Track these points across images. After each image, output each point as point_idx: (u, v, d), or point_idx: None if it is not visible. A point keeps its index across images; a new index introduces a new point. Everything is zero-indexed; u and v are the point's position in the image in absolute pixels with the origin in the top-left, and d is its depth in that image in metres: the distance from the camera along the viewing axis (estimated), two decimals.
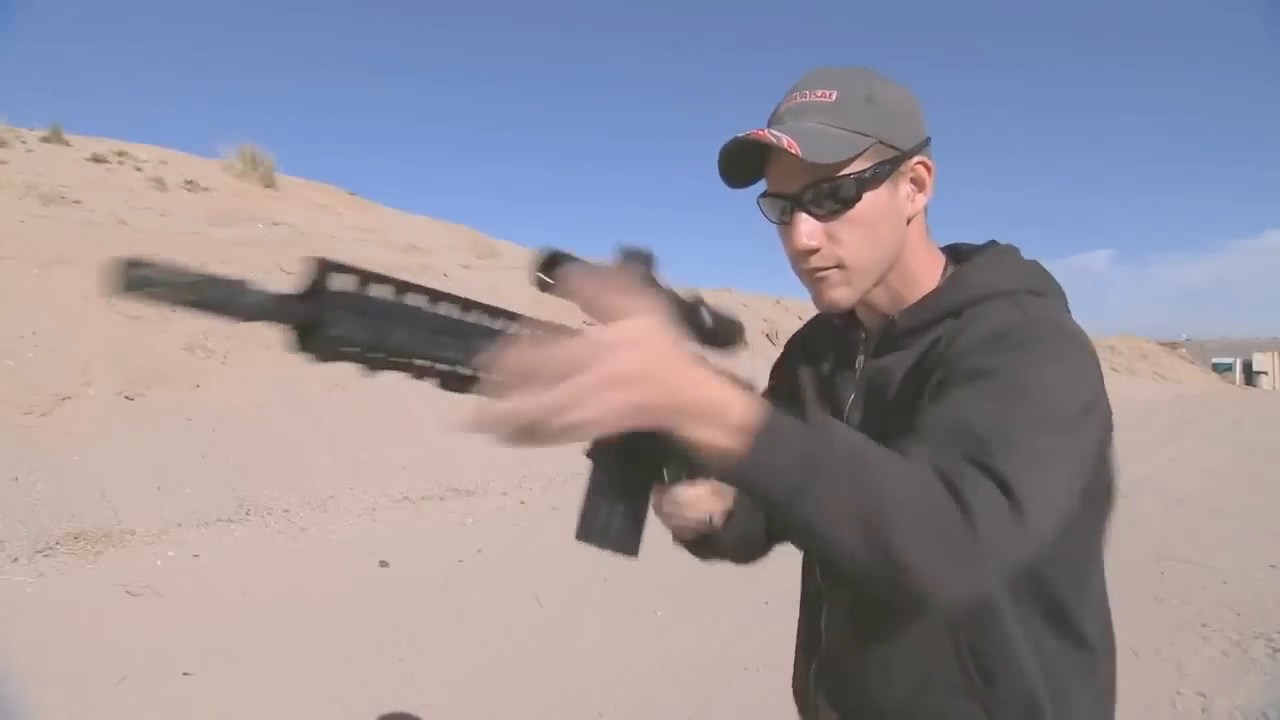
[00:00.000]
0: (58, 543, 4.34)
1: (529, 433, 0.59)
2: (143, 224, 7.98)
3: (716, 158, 0.92)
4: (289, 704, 3.06)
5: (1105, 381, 0.86)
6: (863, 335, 1.01)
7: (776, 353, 1.18)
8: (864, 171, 0.88)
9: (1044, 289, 0.92)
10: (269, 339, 6.96)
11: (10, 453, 4.80)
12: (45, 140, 9.48)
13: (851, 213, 0.90)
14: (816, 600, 1.06)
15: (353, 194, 12.76)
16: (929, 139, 0.94)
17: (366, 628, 3.79)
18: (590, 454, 0.88)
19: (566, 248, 0.71)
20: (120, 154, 9.74)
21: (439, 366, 0.60)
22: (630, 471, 0.79)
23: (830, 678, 1.01)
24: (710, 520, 0.96)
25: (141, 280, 0.48)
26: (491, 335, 0.62)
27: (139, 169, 9.51)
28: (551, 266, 0.71)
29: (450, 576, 4.63)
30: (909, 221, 0.94)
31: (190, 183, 9.46)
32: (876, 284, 0.95)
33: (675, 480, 0.93)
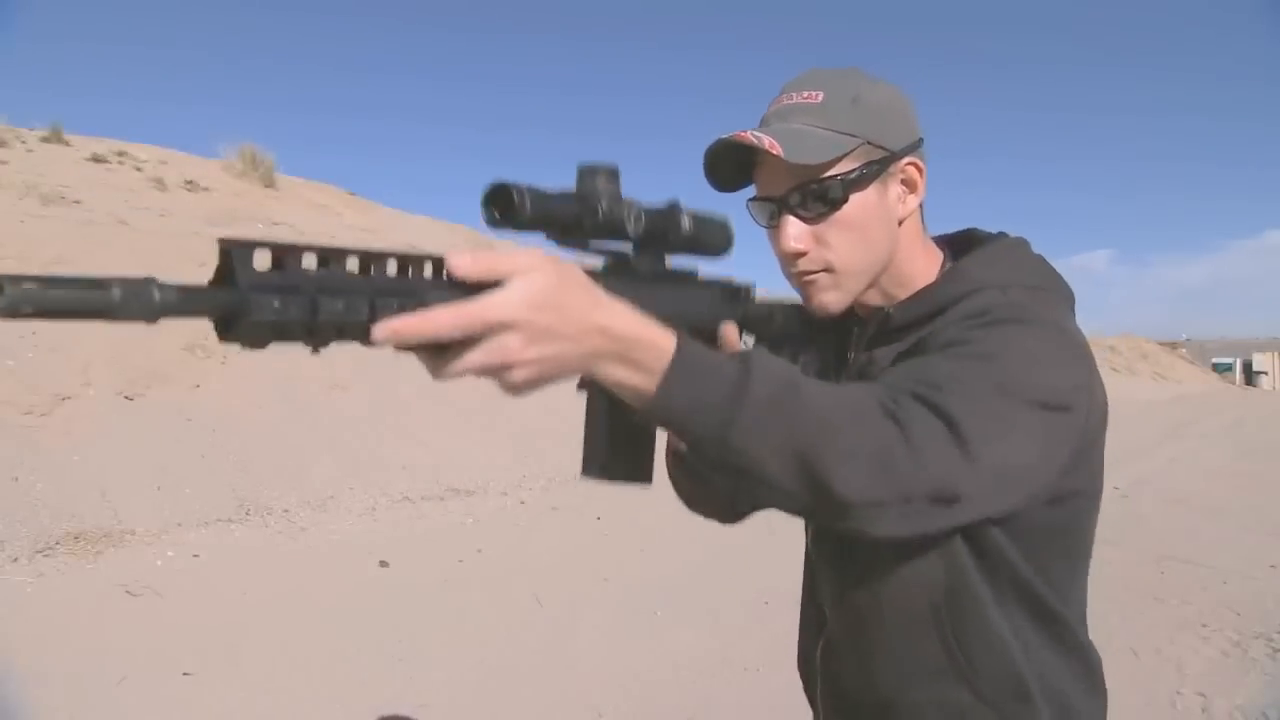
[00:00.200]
0: (58, 543, 4.34)
1: (500, 384, 0.60)
2: (143, 224, 7.99)
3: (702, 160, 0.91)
4: (289, 704, 3.06)
5: (1104, 386, 0.85)
6: (855, 329, 1.00)
7: None
8: (850, 173, 0.88)
9: (1043, 285, 0.91)
10: None
11: (10, 453, 4.80)
12: (45, 140, 9.48)
13: (839, 215, 0.89)
14: (814, 572, 1.04)
15: (353, 194, 12.77)
16: (921, 140, 0.93)
17: (366, 628, 3.79)
18: (582, 386, 0.84)
19: (517, 181, 0.68)
20: (120, 154, 9.75)
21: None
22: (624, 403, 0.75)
23: (833, 657, 1.00)
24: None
25: (26, 297, 0.44)
26: (440, 287, 0.59)
27: (139, 169, 9.52)
28: (499, 201, 0.68)
29: (450, 576, 4.62)
30: (901, 223, 0.93)
31: (190, 183, 9.47)
32: (869, 287, 0.94)
33: None
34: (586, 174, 0.74)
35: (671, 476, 1.05)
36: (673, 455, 1.01)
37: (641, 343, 0.63)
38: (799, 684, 1.13)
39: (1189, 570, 5.25)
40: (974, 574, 0.85)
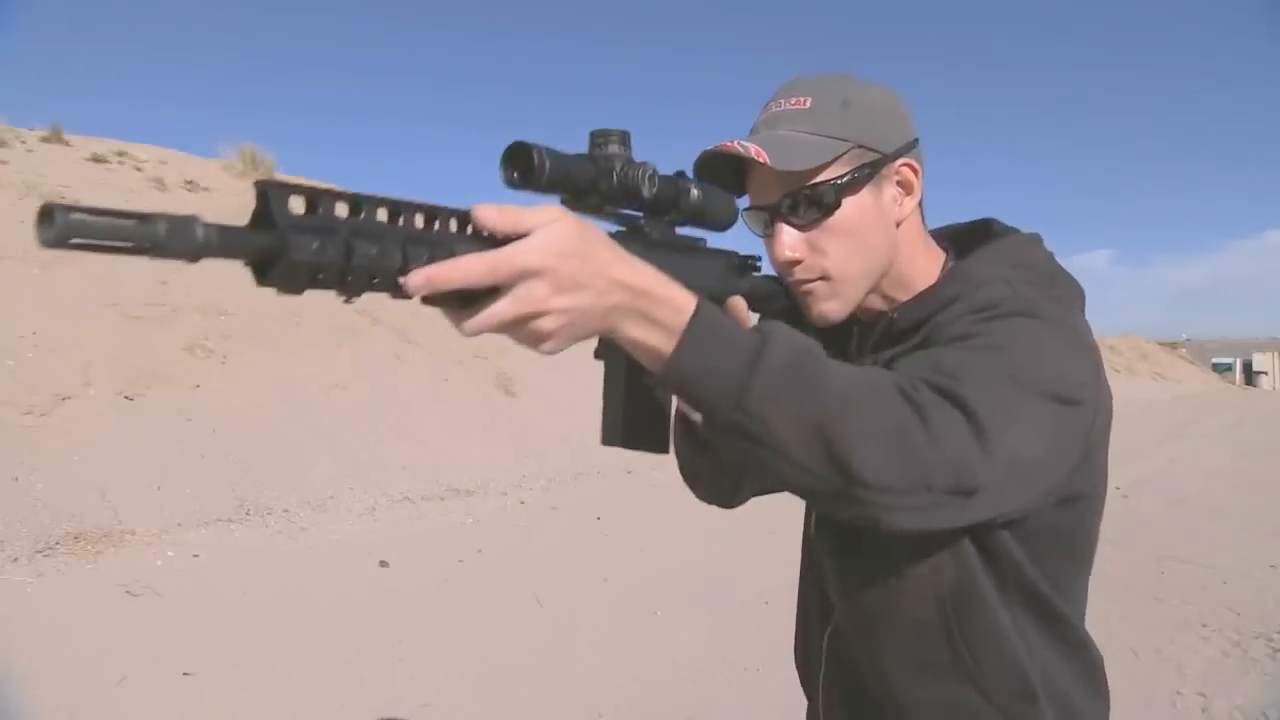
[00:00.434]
0: (58, 543, 4.34)
1: (526, 337, 0.61)
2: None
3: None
4: (289, 704, 3.05)
5: (1109, 387, 0.83)
6: (856, 331, 0.98)
7: None
8: (842, 177, 0.86)
9: (1051, 281, 0.89)
10: (269, 338, 6.97)
11: (10, 453, 4.80)
12: (45, 140, 9.47)
13: (832, 220, 0.87)
14: (817, 562, 1.02)
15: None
16: (916, 140, 0.92)
17: (366, 628, 3.79)
18: (599, 354, 0.85)
19: (536, 141, 0.68)
20: (120, 154, 9.74)
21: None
22: (642, 367, 0.76)
23: (841, 647, 0.98)
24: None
25: (75, 226, 0.45)
26: (467, 240, 0.60)
27: (139, 169, 9.51)
28: (518, 162, 0.68)
29: (450, 576, 4.63)
30: (899, 225, 0.91)
31: (190, 183, 9.46)
32: (869, 293, 0.92)
33: None
34: (600, 138, 0.75)
35: (678, 450, 1.04)
36: (681, 427, 1.01)
37: (662, 300, 0.64)
38: (799, 684, 1.12)
39: (1189, 570, 5.25)
40: (981, 575, 0.84)
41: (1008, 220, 0.99)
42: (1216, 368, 49.29)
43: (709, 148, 0.87)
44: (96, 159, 9.31)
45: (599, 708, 3.17)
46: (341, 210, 0.55)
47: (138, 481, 5.07)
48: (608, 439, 0.88)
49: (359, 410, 6.89)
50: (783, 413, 0.64)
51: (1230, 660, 3.82)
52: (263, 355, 6.81)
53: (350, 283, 0.55)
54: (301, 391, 6.71)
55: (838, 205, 0.87)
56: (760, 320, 0.70)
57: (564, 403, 8.37)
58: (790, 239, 0.89)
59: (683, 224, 0.86)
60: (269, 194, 0.52)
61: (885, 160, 0.89)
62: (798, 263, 0.90)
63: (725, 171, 0.90)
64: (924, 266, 0.94)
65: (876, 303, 0.94)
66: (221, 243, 0.50)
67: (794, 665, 1.13)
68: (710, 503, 1.12)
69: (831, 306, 0.92)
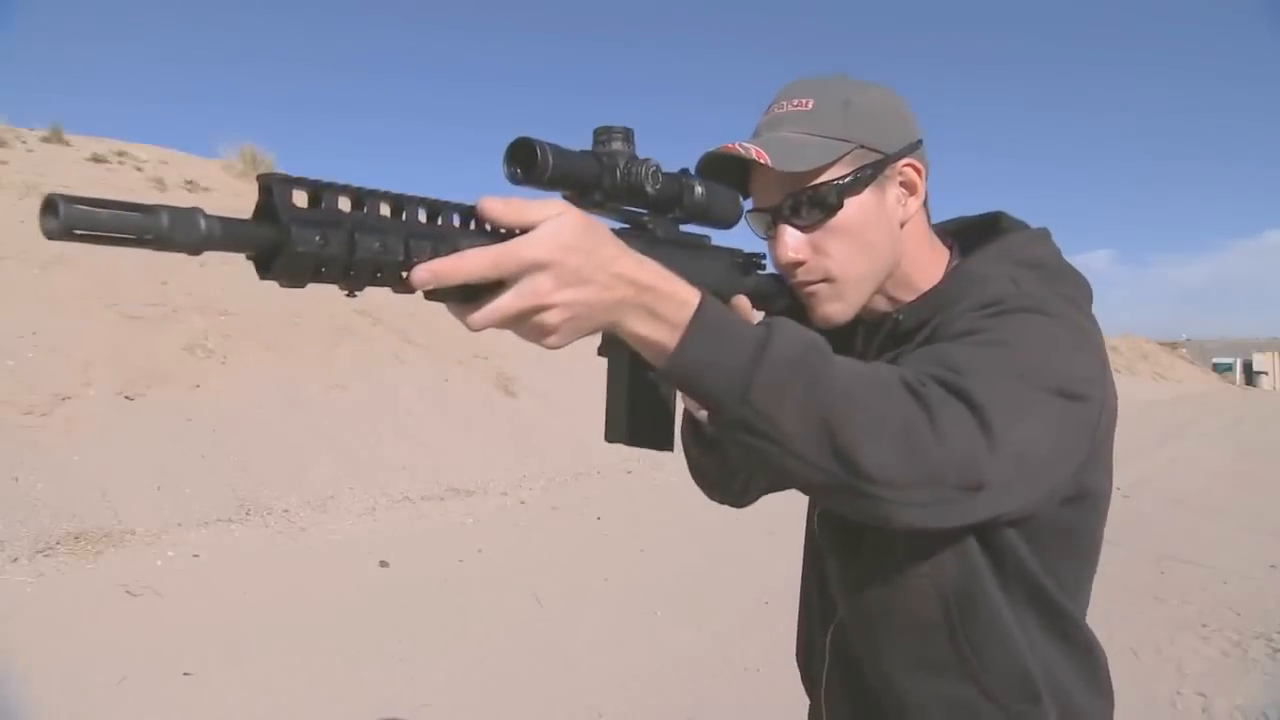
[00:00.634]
0: (58, 543, 4.34)
1: (530, 331, 0.61)
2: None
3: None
4: (289, 704, 3.05)
5: (1114, 385, 0.83)
6: (861, 330, 0.98)
7: None
8: (844, 177, 0.86)
9: (1056, 278, 0.88)
10: (270, 338, 6.97)
11: (10, 453, 4.80)
12: (45, 140, 9.47)
13: (835, 221, 0.87)
14: (820, 560, 1.02)
15: None
16: (920, 140, 0.91)
17: (366, 628, 3.79)
18: (602, 351, 0.85)
19: (540, 137, 0.68)
20: (120, 154, 9.73)
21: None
22: (645, 364, 0.76)
23: (846, 644, 0.98)
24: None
25: (79, 217, 0.45)
26: (470, 235, 0.60)
27: (139, 169, 9.51)
28: (521, 158, 0.68)
29: (450, 576, 4.62)
30: (903, 226, 0.91)
31: (190, 183, 9.46)
32: (874, 294, 0.92)
33: None
34: (604, 134, 0.75)
35: (685, 449, 1.04)
36: (688, 425, 1.00)
37: (666, 295, 0.63)
38: (799, 683, 1.11)
39: (1189, 570, 5.25)
40: (986, 574, 0.83)
41: None
42: (1217, 368, 49.30)
43: (711, 149, 0.87)
44: (97, 159, 9.31)
45: (599, 707, 3.16)
46: (344, 204, 0.55)
47: (138, 481, 5.07)
48: (612, 436, 0.88)
49: (359, 410, 6.89)
50: (788, 407, 0.63)
51: (1230, 660, 3.82)
52: (263, 355, 6.81)
53: (353, 277, 0.55)
54: (302, 391, 6.71)
55: (840, 206, 0.87)
56: (765, 317, 0.70)
57: (564, 403, 8.38)
58: (793, 240, 0.89)
59: (686, 221, 0.86)
60: (272, 187, 0.52)
61: (887, 161, 0.88)
62: (800, 264, 0.90)
63: (728, 174, 0.90)
64: (928, 266, 0.94)
65: (881, 304, 0.94)
66: (224, 235, 0.50)
67: (795, 665, 1.13)
68: (719, 501, 1.12)
69: (835, 308, 0.91)
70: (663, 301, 0.63)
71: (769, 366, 0.63)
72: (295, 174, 0.54)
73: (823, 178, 0.86)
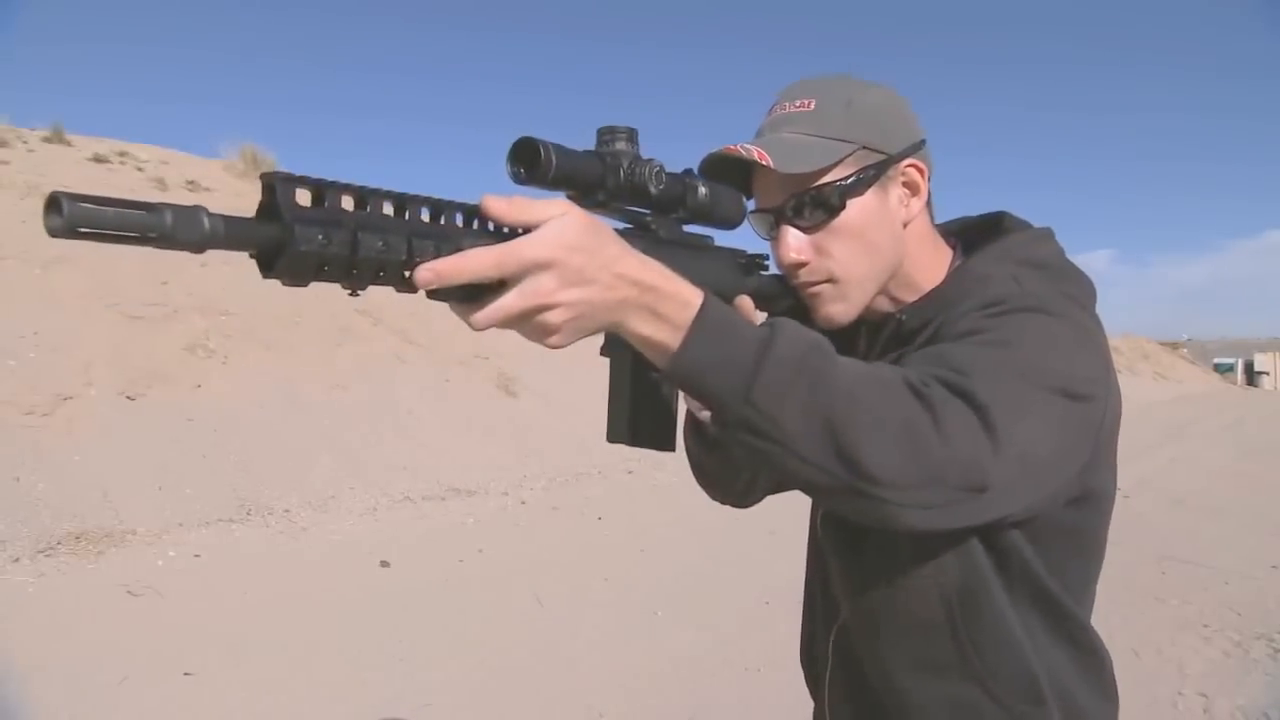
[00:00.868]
0: (59, 542, 4.34)
1: (533, 331, 0.61)
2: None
3: None
4: (290, 704, 3.06)
5: (1118, 384, 0.82)
6: (863, 331, 0.98)
7: None
8: (847, 178, 0.86)
9: (1059, 277, 0.87)
10: (270, 338, 6.97)
11: (12, 452, 4.81)
12: (47, 140, 9.47)
13: (837, 222, 0.87)
14: (823, 561, 1.02)
15: None
16: (923, 141, 0.91)
17: (367, 628, 3.79)
18: (605, 351, 0.85)
19: (542, 137, 0.68)
20: (122, 154, 9.74)
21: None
22: (647, 364, 0.76)
23: (849, 645, 0.98)
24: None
25: (83, 215, 0.45)
26: (473, 234, 0.60)
27: (140, 169, 9.51)
28: (524, 158, 0.68)
29: (451, 576, 4.63)
30: (906, 226, 0.91)
31: (191, 183, 9.46)
32: (876, 295, 0.92)
33: None
34: (607, 134, 0.75)
35: (688, 449, 1.04)
36: (691, 426, 1.00)
37: (669, 295, 0.63)
38: (800, 684, 1.11)
39: (1190, 570, 5.25)
40: (990, 575, 0.83)
41: None
42: (1218, 368, 49.28)
43: (713, 151, 0.87)
44: (98, 159, 9.31)
45: (599, 708, 3.16)
46: (347, 203, 0.55)
47: (139, 481, 5.07)
48: (613, 436, 0.88)
49: (360, 410, 6.89)
50: (791, 407, 0.63)
51: (1232, 661, 3.81)
52: (264, 355, 6.82)
53: (356, 276, 0.55)
54: (302, 392, 6.71)
55: (842, 207, 0.87)
56: (768, 317, 0.70)
57: (565, 403, 8.38)
58: (795, 241, 0.89)
59: (689, 222, 0.86)
60: (275, 186, 0.52)
61: (890, 161, 0.88)
62: (803, 265, 0.89)
63: (730, 175, 0.90)
64: (931, 266, 0.93)
65: (884, 304, 0.94)
66: (227, 233, 0.50)
67: (795, 665, 1.13)
68: (723, 502, 1.11)
69: (838, 309, 0.91)
70: (665, 302, 0.63)
71: (772, 367, 0.63)
72: (298, 173, 0.54)
73: (825, 179, 0.86)
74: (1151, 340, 42.14)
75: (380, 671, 3.37)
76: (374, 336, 7.97)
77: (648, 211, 0.81)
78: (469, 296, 0.59)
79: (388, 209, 0.58)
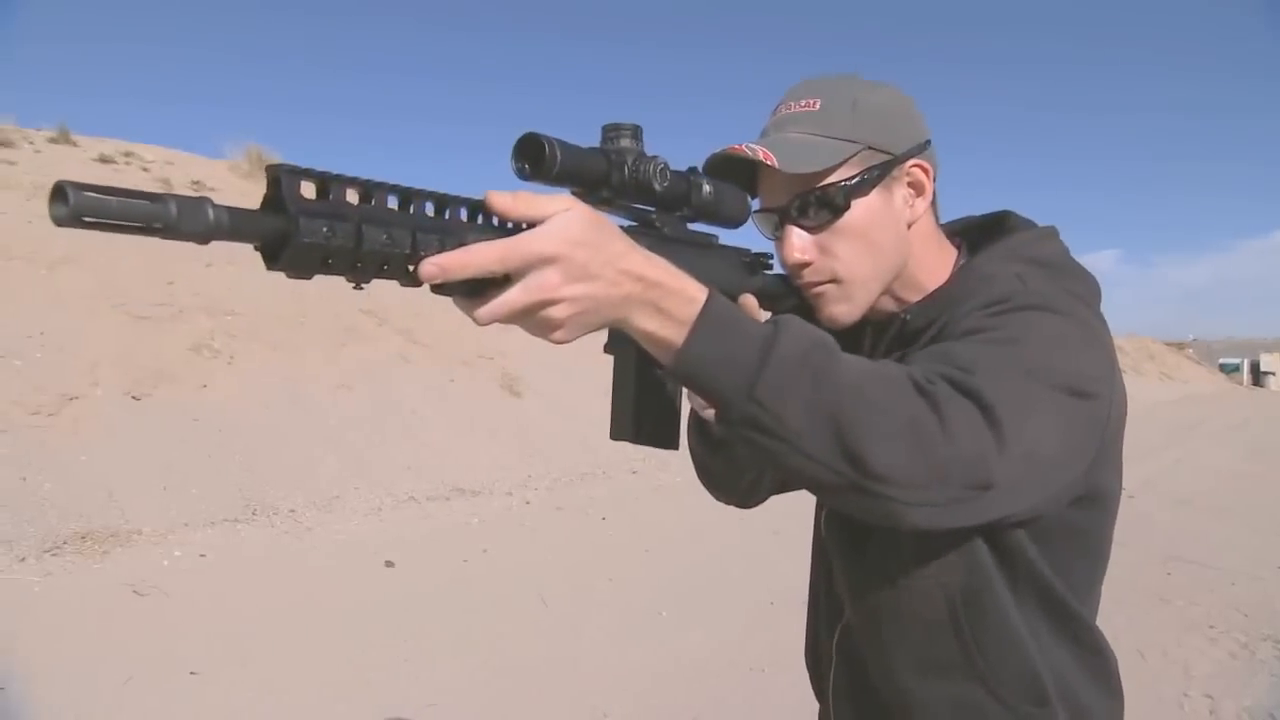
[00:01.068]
0: (65, 542, 4.36)
1: (537, 326, 0.61)
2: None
3: None
4: (295, 704, 3.06)
5: (1123, 383, 0.82)
6: (868, 331, 0.98)
7: None
8: (852, 179, 0.86)
9: (1063, 276, 0.87)
10: (275, 338, 6.99)
11: (18, 452, 4.82)
12: (53, 141, 9.51)
13: (842, 222, 0.87)
14: (827, 561, 1.01)
15: None
16: (928, 141, 0.91)
17: (372, 628, 3.79)
18: (609, 348, 0.85)
19: (547, 133, 0.68)
20: (127, 154, 9.78)
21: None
22: (652, 361, 0.76)
23: (852, 645, 0.98)
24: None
25: (88, 205, 0.45)
26: (478, 229, 0.60)
27: (145, 169, 9.54)
28: (529, 153, 0.68)
29: (456, 576, 4.63)
30: (911, 226, 0.91)
31: (196, 183, 9.49)
32: (881, 295, 0.92)
33: None
34: (612, 131, 0.75)
35: (691, 449, 1.03)
36: (694, 425, 1.00)
37: (673, 291, 0.63)
38: (805, 684, 1.11)
39: (1196, 571, 5.23)
40: (995, 575, 0.83)
41: None
42: (1223, 368, 49.15)
43: (718, 150, 0.87)
44: (103, 159, 9.34)
45: (604, 708, 3.16)
46: (352, 196, 0.56)
47: (145, 481, 5.08)
48: (617, 434, 0.88)
49: (364, 410, 6.90)
50: (795, 404, 0.63)
51: (1238, 662, 3.80)
52: (269, 355, 6.83)
53: (360, 269, 0.55)
54: (307, 392, 6.72)
55: (847, 207, 0.87)
56: (773, 315, 0.70)
57: (569, 403, 8.38)
58: (800, 241, 0.89)
59: (694, 220, 0.86)
60: (280, 178, 0.53)
61: (895, 161, 0.88)
62: (807, 265, 0.89)
63: (735, 175, 0.90)
64: (936, 266, 0.93)
65: (888, 304, 0.93)
66: (232, 224, 0.50)
67: (800, 666, 1.13)
68: (727, 503, 1.11)
69: (842, 309, 0.91)
70: (670, 298, 0.63)
71: (776, 364, 0.63)
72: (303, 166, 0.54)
73: (830, 179, 0.86)
74: (1157, 340, 42.04)
75: (385, 671, 3.38)
76: (378, 337, 7.98)
77: (652, 209, 0.81)
78: (473, 291, 0.59)
79: (392, 203, 0.58)
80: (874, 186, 0.87)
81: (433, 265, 0.56)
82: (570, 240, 0.58)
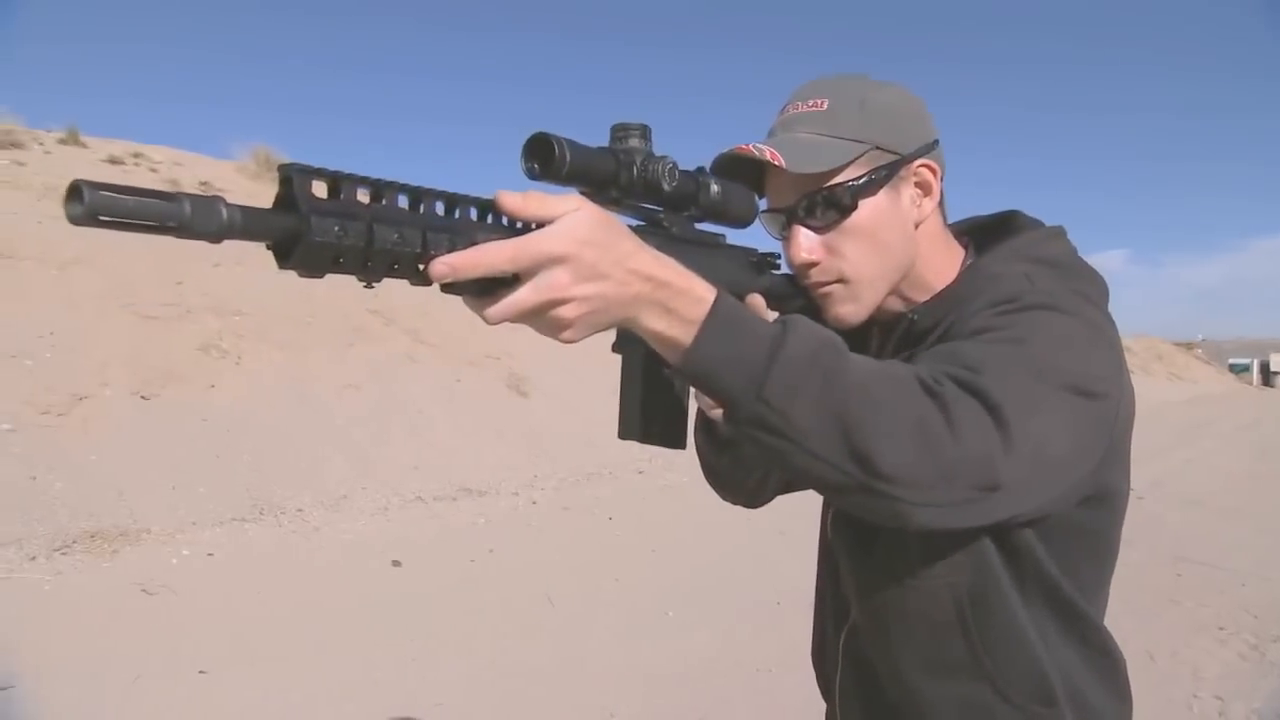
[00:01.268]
0: (75, 541, 4.38)
1: (546, 326, 0.61)
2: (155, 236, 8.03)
3: None
4: (302, 703, 3.07)
5: (1131, 383, 0.82)
6: (875, 331, 0.98)
7: None
8: (859, 179, 0.86)
9: (1071, 275, 0.86)
10: (283, 338, 7.01)
11: (29, 451, 4.85)
12: (62, 142, 9.56)
13: (849, 222, 0.87)
14: (834, 562, 1.02)
15: None
16: (936, 141, 0.91)
17: (379, 627, 3.80)
18: (617, 348, 0.85)
19: (557, 133, 0.69)
20: (136, 155, 9.83)
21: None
22: (659, 361, 0.77)
23: (858, 646, 0.98)
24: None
25: (103, 203, 0.46)
26: (487, 228, 0.61)
27: (154, 170, 9.59)
28: (538, 153, 0.69)
29: (463, 576, 4.64)
30: (918, 226, 0.90)
31: (204, 184, 9.53)
32: (888, 295, 0.91)
33: None
34: (621, 131, 0.75)
35: (698, 449, 1.04)
36: (701, 425, 1.01)
37: (682, 292, 0.63)
38: (812, 685, 1.11)
39: (1206, 572, 5.21)
40: (1003, 575, 0.83)
41: None
42: (1233, 368, 48.91)
43: (725, 150, 0.87)
44: (113, 160, 9.39)
45: (611, 708, 3.17)
46: (363, 196, 0.56)
47: (153, 481, 5.11)
48: (625, 433, 0.89)
49: (371, 410, 6.92)
50: (803, 404, 0.63)
51: (1248, 663, 3.78)
52: (276, 355, 6.85)
53: (370, 268, 0.55)
54: (314, 392, 6.74)
55: (854, 207, 0.86)
56: (782, 315, 0.70)
57: (576, 403, 8.38)
58: (807, 241, 0.89)
59: (702, 220, 0.86)
60: (292, 177, 0.53)
61: (903, 162, 0.88)
62: (814, 265, 0.89)
63: (742, 174, 0.89)
64: (943, 266, 0.93)
65: (895, 304, 0.93)
66: (244, 223, 0.51)
67: (807, 666, 1.13)
68: (733, 502, 1.11)
69: (849, 309, 0.91)
70: (678, 298, 0.63)
71: (784, 363, 0.63)
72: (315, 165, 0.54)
73: (837, 179, 0.86)
74: (1165, 341, 41.84)
75: (392, 670, 3.38)
76: (386, 337, 8.00)
77: (660, 209, 0.81)
78: (483, 290, 0.60)
79: (403, 202, 0.58)
80: (881, 186, 0.87)
81: (443, 264, 0.56)
82: (580, 240, 0.58)
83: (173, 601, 3.91)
